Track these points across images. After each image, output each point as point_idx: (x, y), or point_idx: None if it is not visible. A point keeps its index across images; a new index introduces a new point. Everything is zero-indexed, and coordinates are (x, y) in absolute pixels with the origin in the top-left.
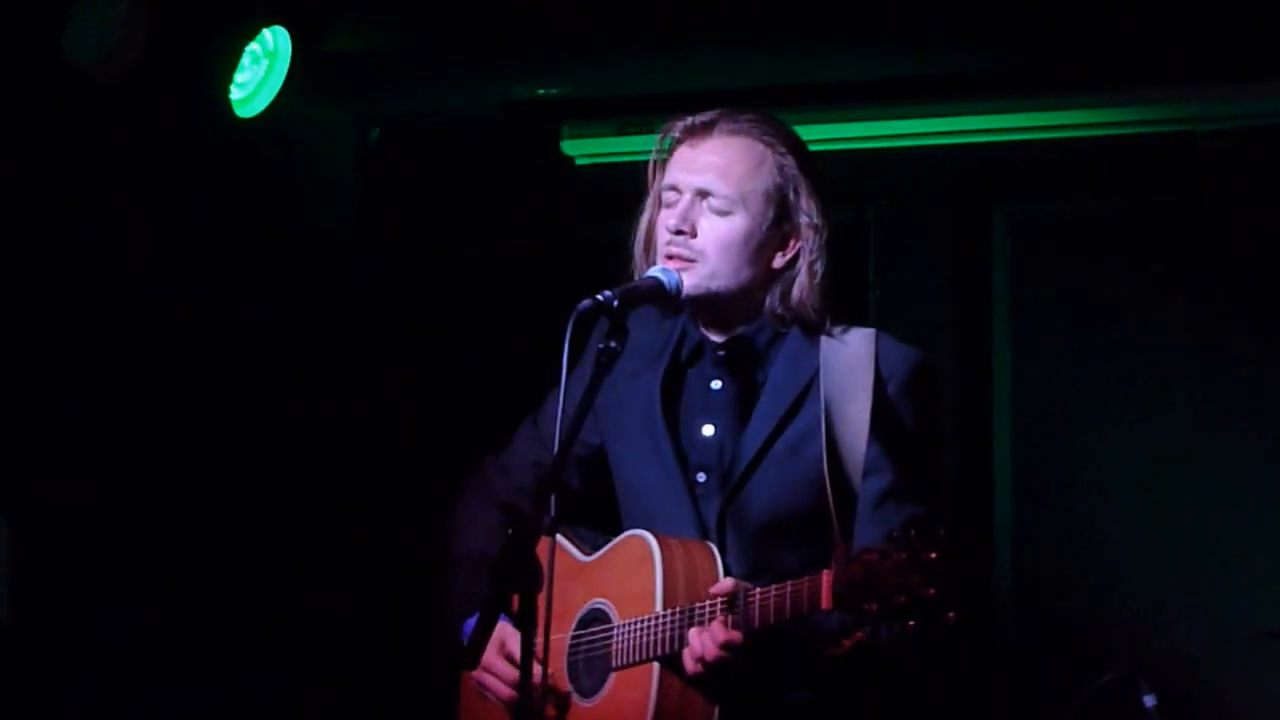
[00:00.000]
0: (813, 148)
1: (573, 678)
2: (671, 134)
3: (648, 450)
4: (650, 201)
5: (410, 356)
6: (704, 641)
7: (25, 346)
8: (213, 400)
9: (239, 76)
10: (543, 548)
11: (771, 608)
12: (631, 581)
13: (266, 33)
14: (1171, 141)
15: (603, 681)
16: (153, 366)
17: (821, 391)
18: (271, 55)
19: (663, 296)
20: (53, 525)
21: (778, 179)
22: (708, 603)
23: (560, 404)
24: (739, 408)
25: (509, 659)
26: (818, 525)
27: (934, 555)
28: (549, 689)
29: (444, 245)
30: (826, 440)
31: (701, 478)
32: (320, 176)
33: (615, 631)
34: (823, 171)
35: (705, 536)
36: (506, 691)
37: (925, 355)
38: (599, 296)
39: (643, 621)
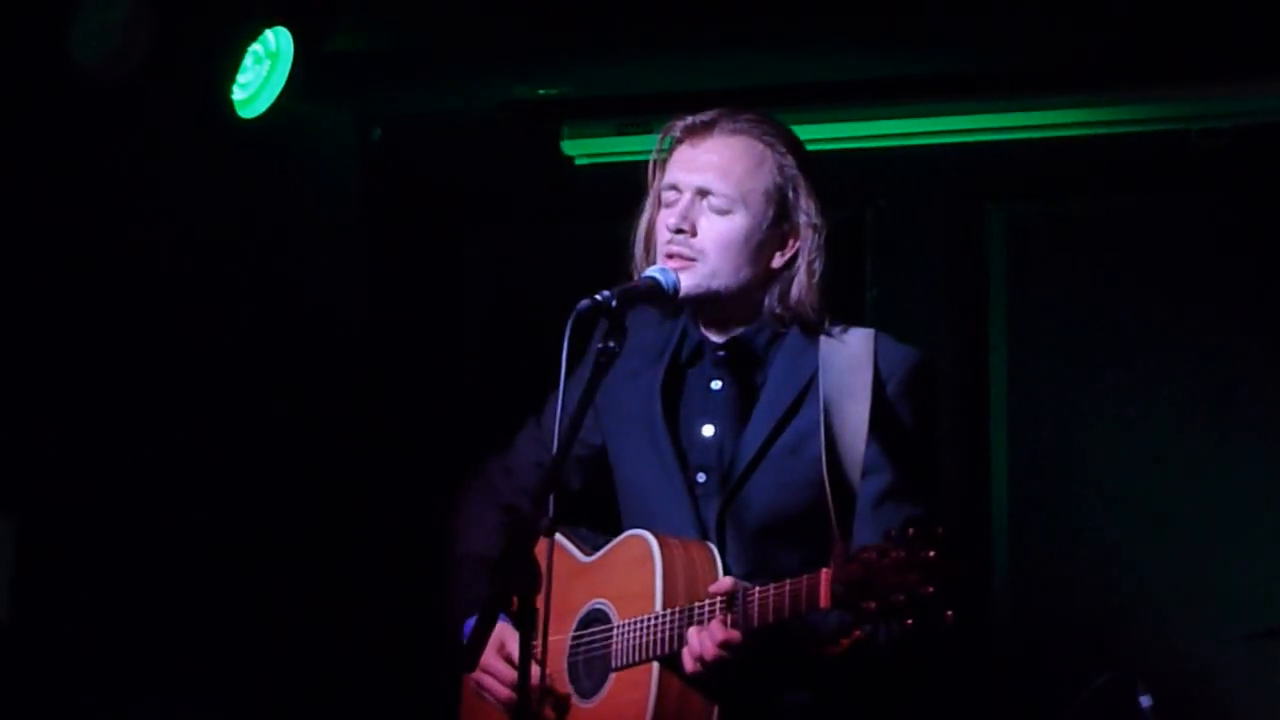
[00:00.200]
0: (810, 147)
1: (573, 678)
2: (672, 133)
3: (648, 450)
4: (650, 201)
5: (412, 356)
6: (703, 640)
7: (27, 346)
8: (215, 400)
9: (241, 77)
10: (541, 549)
11: (770, 606)
12: (631, 581)
13: (268, 33)
14: (1166, 140)
15: (602, 682)
16: (155, 366)
17: (821, 391)
18: (273, 56)
19: (660, 296)
20: (55, 525)
21: (777, 178)
22: (707, 602)
23: (559, 404)
24: (739, 408)
25: (508, 660)
26: (817, 525)
27: (933, 554)
28: (548, 690)
29: (445, 245)
30: (826, 440)
31: (701, 478)
32: (322, 176)
33: (615, 631)
34: (820, 171)
35: (705, 536)
36: (505, 693)
37: (924, 355)
38: (597, 296)
39: (642, 621)
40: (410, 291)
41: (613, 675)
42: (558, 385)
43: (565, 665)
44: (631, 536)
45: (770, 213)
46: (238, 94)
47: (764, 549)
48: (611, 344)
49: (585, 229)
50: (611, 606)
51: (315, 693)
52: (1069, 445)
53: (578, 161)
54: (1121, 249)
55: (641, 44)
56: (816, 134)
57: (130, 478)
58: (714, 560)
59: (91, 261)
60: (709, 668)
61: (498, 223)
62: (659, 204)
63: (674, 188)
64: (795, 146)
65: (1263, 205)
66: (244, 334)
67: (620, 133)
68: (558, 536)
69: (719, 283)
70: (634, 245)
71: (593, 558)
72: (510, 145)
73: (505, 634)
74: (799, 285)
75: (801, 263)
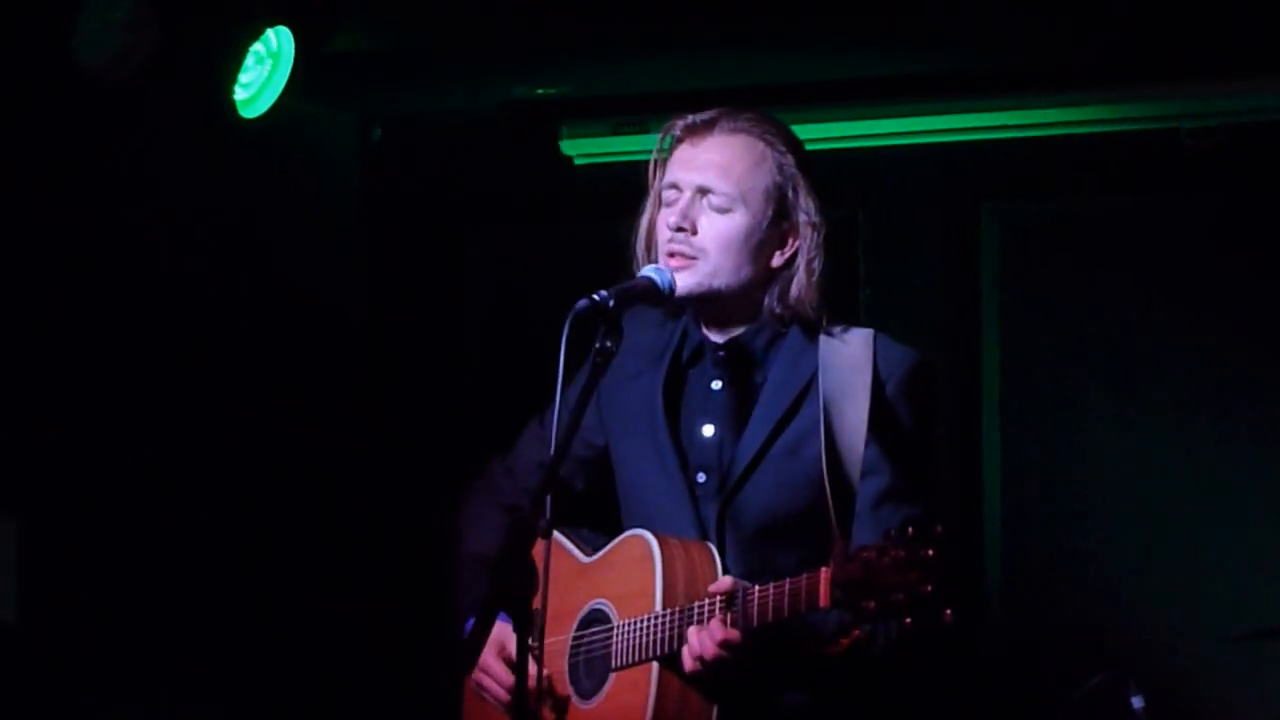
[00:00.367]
0: None
1: (573, 679)
2: (672, 132)
3: (649, 450)
4: (651, 200)
5: (413, 355)
6: (702, 640)
7: (29, 346)
8: (217, 400)
9: (243, 77)
10: (539, 550)
11: (770, 606)
12: (631, 581)
13: (270, 33)
14: (1158, 139)
15: (602, 682)
16: (156, 366)
17: (820, 392)
18: (275, 56)
19: (656, 295)
20: (59, 526)
21: (777, 177)
22: (706, 602)
23: (557, 405)
24: (739, 408)
25: (508, 662)
26: (816, 526)
27: (932, 553)
28: (547, 691)
29: (446, 244)
30: (825, 440)
31: (701, 478)
32: (323, 176)
33: (615, 632)
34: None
35: (705, 537)
36: (504, 694)
37: (923, 356)
38: (595, 296)
39: (642, 621)
40: (411, 290)
41: (612, 675)
42: (565, 386)
43: (566, 666)
44: (631, 536)
45: (770, 211)
46: (239, 94)
47: (763, 549)
48: (608, 344)
49: (584, 229)
50: (612, 606)
51: (318, 693)
52: (1062, 444)
53: (576, 161)
54: (1114, 248)
55: (636, 44)
56: (810, 133)
57: (133, 478)
58: (714, 560)
59: (93, 261)
60: (709, 667)
61: (497, 222)
62: (660, 203)
63: (674, 186)
64: (795, 145)
65: (1254, 204)
66: (245, 333)
67: (616, 132)
68: (559, 537)
69: (720, 281)
70: (635, 244)
71: (593, 558)
72: (509, 145)
73: (506, 635)
74: (798, 284)
75: (801, 262)
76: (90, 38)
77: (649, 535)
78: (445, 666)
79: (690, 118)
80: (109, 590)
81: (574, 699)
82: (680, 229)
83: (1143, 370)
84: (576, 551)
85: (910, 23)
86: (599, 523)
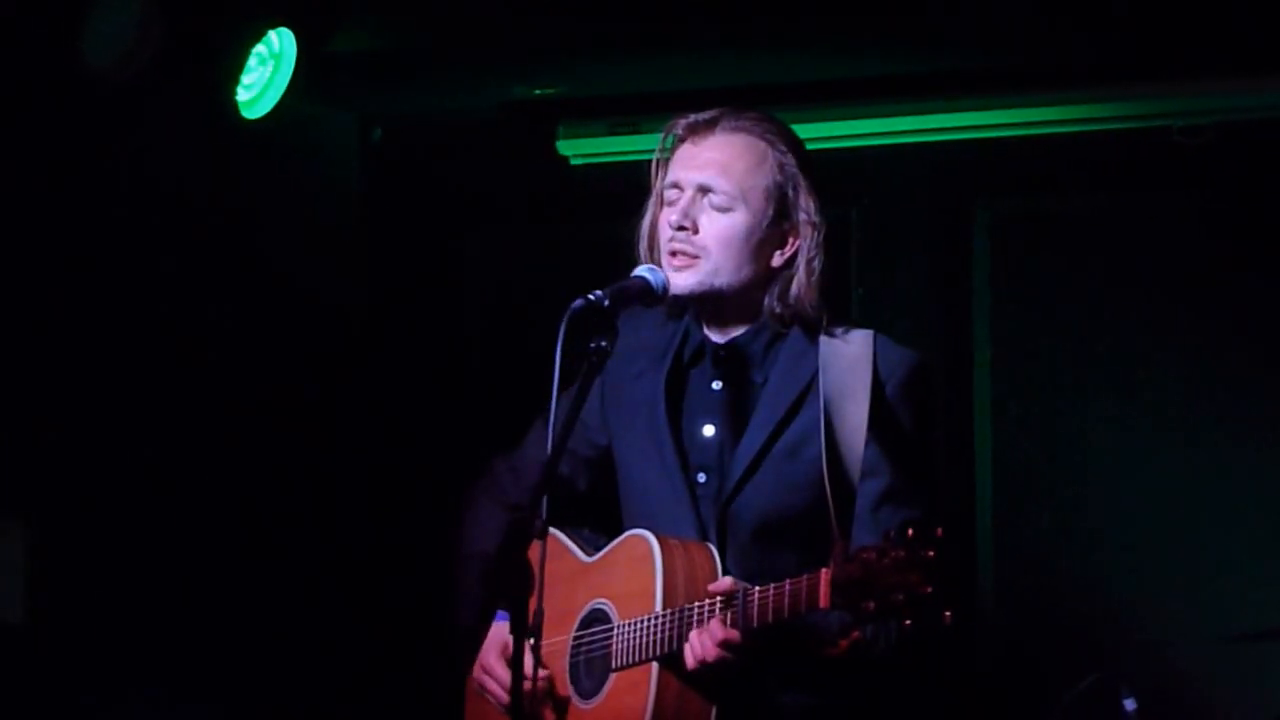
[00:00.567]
0: None
1: (574, 679)
2: (674, 132)
3: (650, 450)
4: (653, 199)
5: (413, 355)
6: (703, 640)
7: (35, 348)
8: (218, 401)
9: (245, 78)
10: (536, 551)
11: (770, 607)
12: (632, 581)
13: (272, 34)
14: (1148, 137)
15: (603, 683)
16: (159, 366)
17: (821, 392)
18: (277, 57)
19: (650, 295)
20: (66, 529)
21: (778, 176)
22: (707, 602)
23: (554, 404)
24: (739, 408)
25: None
26: (816, 526)
27: (932, 554)
28: (547, 691)
29: (446, 243)
30: (826, 441)
31: (702, 478)
32: (324, 176)
33: (615, 632)
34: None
35: (705, 537)
36: (506, 696)
37: (922, 357)
38: (590, 296)
39: (642, 621)
40: (412, 290)
41: (612, 675)
42: (566, 385)
43: (566, 665)
44: (632, 536)
45: (770, 211)
46: (242, 95)
47: (763, 550)
48: (603, 343)
49: (582, 229)
50: (612, 606)
51: (324, 693)
52: (1054, 443)
53: (572, 161)
54: (1105, 246)
55: (632, 44)
56: (803, 133)
57: (138, 480)
58: (714, 561)
59: (97, 262)
60: (708, 668)
61: (496, 222)
62: (661, 202)
63: (676, 185)
64: (796, 145)
65: (1245, 201)
66: (246, 333)
67: (611, 133)
68: (560, 537)
69: (721, 280)
70: (638, 243)
71: (594, 558)
72: (508, 145)
73: (508, 636)
74: (798, 284)
75: (801, 261)
76: (98, 39)
77: (650, 535)
78: (449, 666)
79: (692, 117)
80: (116, 592)
81: (574, 699)
82: (682, 228)
83: (1135, 368)
84: (578, 551)
85: (903, 23)
86: (600, 523)
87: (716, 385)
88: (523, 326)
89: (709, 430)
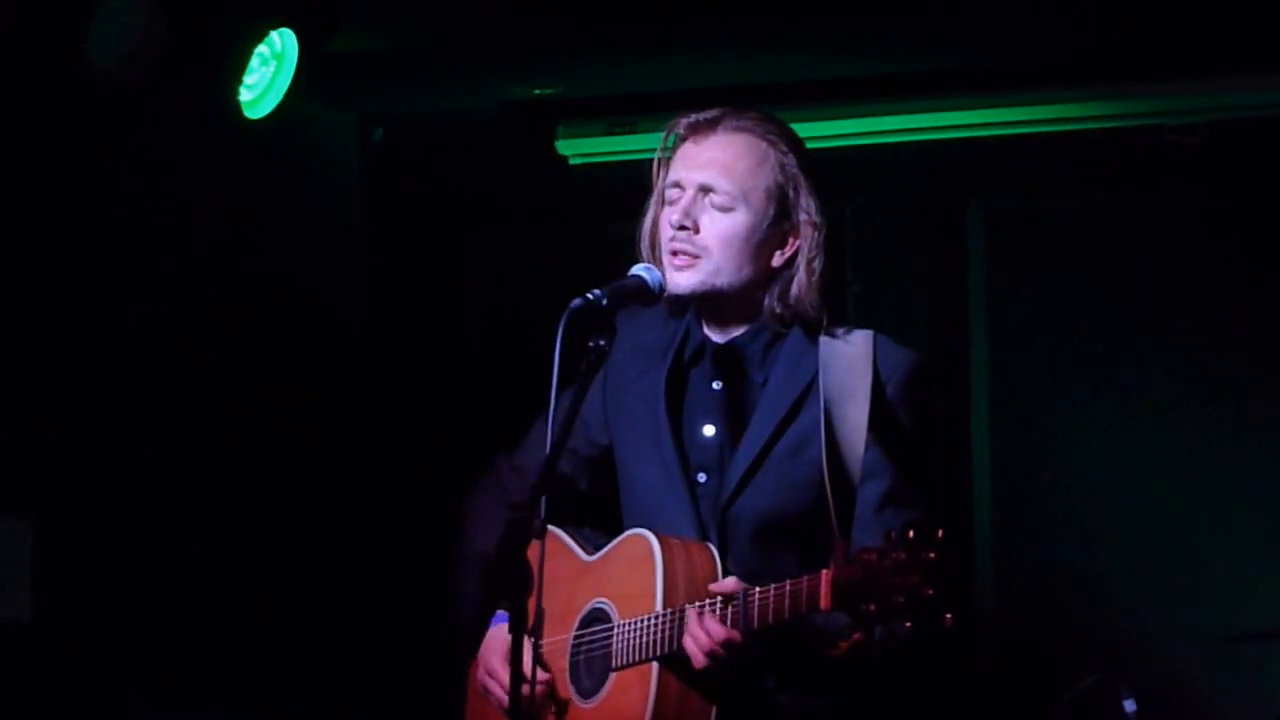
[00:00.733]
0: None
1: (574, 679)
2: (676, 131)
3: (650, 450)
4: (655, 199)
5: (413, 354)
6: (698, 636)
7: (40, 347)
8: (219, 400)
9: (248, 78)
10: (535, 551)
11: (771, 607)
12: (632, 581)
13: (274, 35)
14: (1142, 136)
15: (603, 682)
16: (162, 366)
17: (821, 393)
18: (279, 57)
19: (647, 294)
20: (72, 527)
21: (779, 177)
22: (707, 602)
23: (552, 403)
24: (740, 408)
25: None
26: (816, 527)
27: (933, 556)
28: (547, 693)
29: (447, 243)
30: (826, 442)
31: (702, 478)
32: (325, 175)
33: (615, 631)
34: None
35: (704, 537)
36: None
37: (922, 357)
38: (589, 295)
39: (642, 621)
40: (413, 289)
41: (612, 675)
42: (568, 384)
43: (566, 665)
44: (633, 536)
45: (771, 210)
46: (244, 95)
47: (763, 550)
48: (601, 343)
49: (580, 228)
50: (612, 606)
51: (326, 691)
52: (1051, 441)
53: (571, 161)
54: (1099, 244)
55: (629, 44)
56: (799, 132)
57: (142, 479)
58: (714, 561)
59: (98, 261)
60: (708, 665)
61: (496, 221)
62: (663, 201)
63: (677, 185)
64: (796, 145)
65: (1238, 199)
66: (247, 332)
67: (609, 132)
68: (561, 536)
69: (722, 280)
70: (639, 242)
71: (594, 557)
72: (507, 145)
73: (509, 636)
74: (799, 284)
75: (801, 261)
76: (102, 40)
77: (650, 535)
78: (449, 667)
79: (694, 116)
80: (122, 590)
81: (574, 698)
82: (683, 227)
83: (1131, 366)
84: (578, 550)
85: (899, 23)
86: (601, 522)
87: (717, 385)
88: (522, 326)
89: (709, 430)
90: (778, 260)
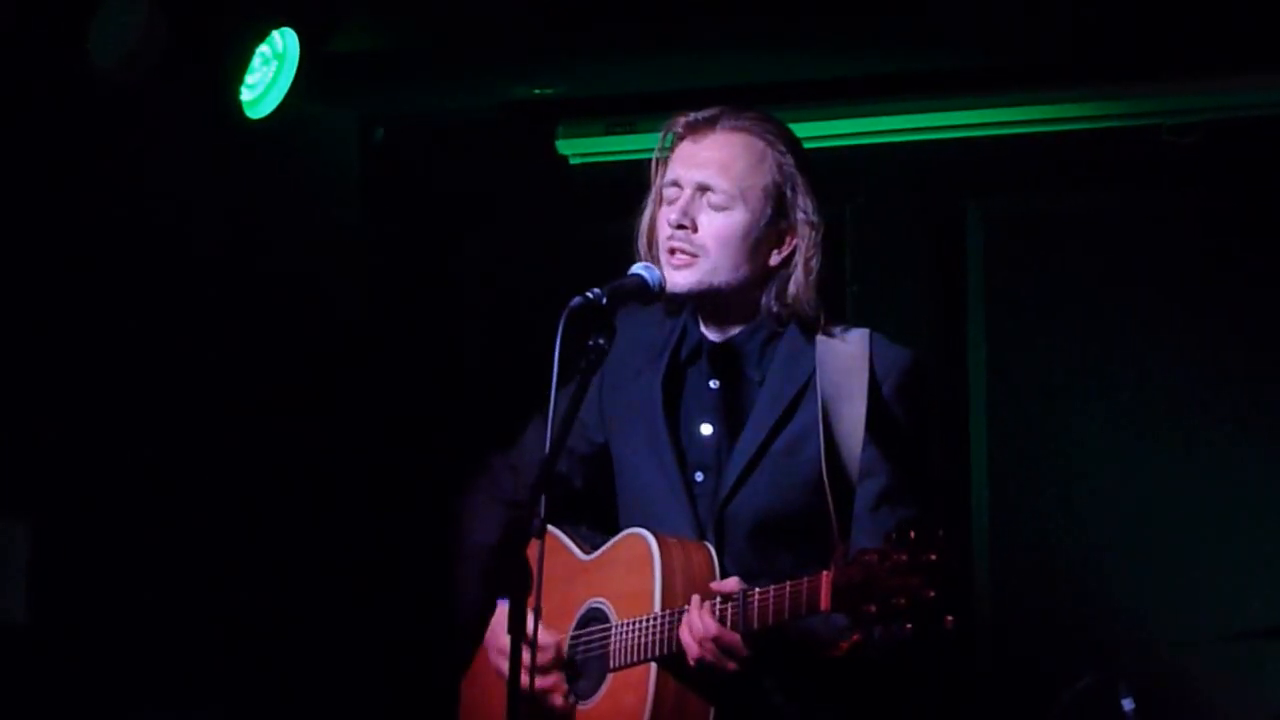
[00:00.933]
0: None
1: (570, 679)
2: (674, 130)
3: (647, 449)
4: (652, 197)
5: (413, 354)
6: (694, 623)
7: (38, 349)
8: (220, 399)
9: (249, 78)
10: (534, 550)
11: (771, 608)
12: (630, 581)
13: (275, 35)
14: (1138, 136)
15: (600, 683)
16: (162, 366)
17: (818, 392)
18: (280, 57)
19: (646, 293)
20: (71, 529)
21: (776, 176)
22: (707, 602)
23: (552, 403)
24: (737, 407)
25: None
26: (813, 526)
27: (934, 557)
28: (545, 694)
29: (447, 243)
30: (824, 441)
31: (699, 477)
32: (325, 175)
33: (613, 631)
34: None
35: (702, 536)
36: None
37: (917, 355)
38: (589, 294)
39: (640, 622)
40: (413, 289)
41: (610, 676)
42: (565, 383)
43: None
44: (631, 535)
45: (769, 210)
46: (245, 95)
47: (760, 549)
48: (601, 341)
49: (580, 228)
50: (610, 606)
51: (325, 691)
52: (1049, 441)
53: (571, 161)
54: (1097, 244)
55: (629, 44)
56: (798, 132)
57: (140, 480)
58: (712, 560)
59: (99, 261)
60: (705, 664)
61: (496, 221)
62: (661, 200)
63: (675, 184)
64: (794, 145)
65: (1234, 199)
66: (248, 330)
67: (608, 132)
68: (558, 534)
69: (720, 279)
70: (636, 241)
71: (592, 556)
72: (507, 145)
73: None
74: (796, 283)
75: (799, 260)
76: (103, 39)
77: (649, 535)
78: (444, 668)
79: (692, 115)
80: (120, 593)
81: (572, 699)
82: (681, 226)
83: (1129, 367)
84: (575, 549)
85: (898, 23)
86: (597, 520)
87: (714, 384)
88: (522, 325)
89: (706, 429)
90: (775, 259)
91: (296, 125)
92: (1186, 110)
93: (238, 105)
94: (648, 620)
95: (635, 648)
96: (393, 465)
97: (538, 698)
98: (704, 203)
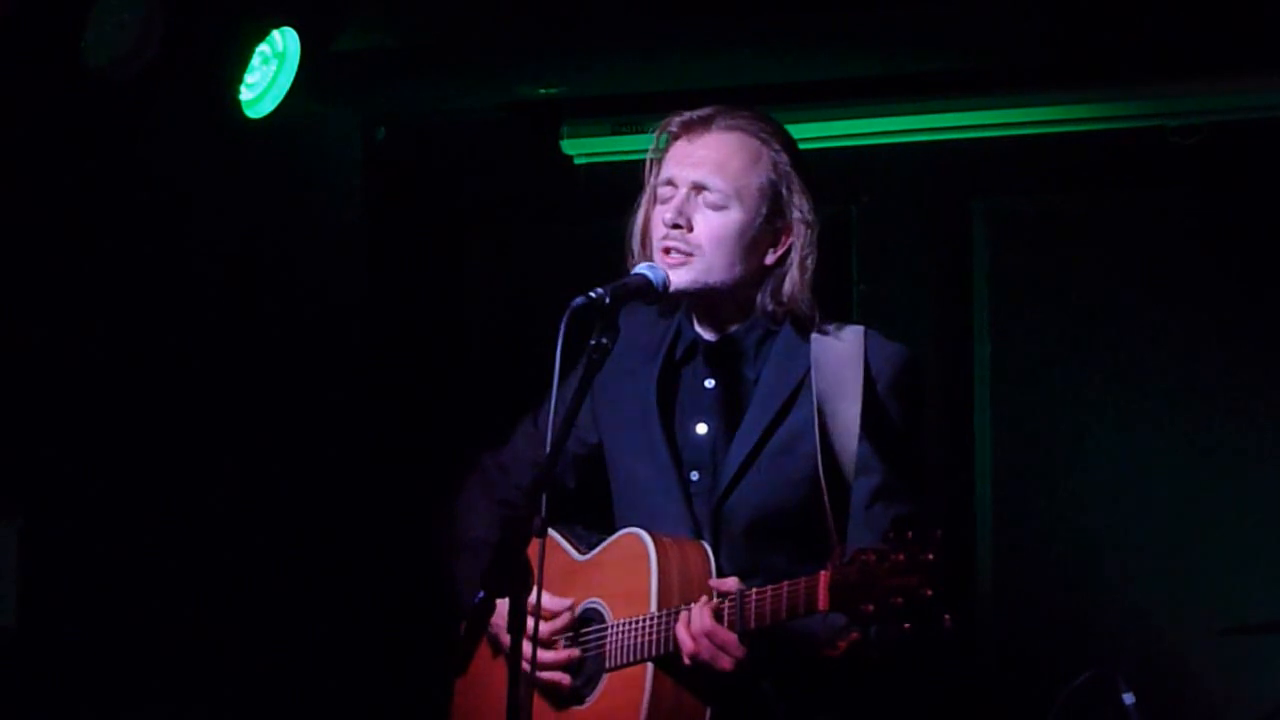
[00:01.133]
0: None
1: None
2: (668, 129)
3: (642, 448)
4: (646, 196)
5: (416, 353)
6: (690, 622)
7: (31, 348)
8: (218, 400)
9: (249, 77)
10: (534, 549)
11: (768, 608)
12: (627, 580)
13: (276, 34)
14: (1143, 137)
15: (596, 683)
16: (158, 367)
17: (814, 390)
18: (280, 56)
19: (651, 292)
20: (60, 530)
21: (772, 175)
22: (706, 599)
23: (554, 402)
24: (732, 406)
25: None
26: (809, 524)
27: (931, 556)
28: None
29: (448, 242)
30: (820, 438)
31: (695, 476)
32: (327, 175)
33: (609, 631)
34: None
35: (698, 535)
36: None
37: (911, 352)
38: (591, 294)
39: (637, 622)
40: (414, 288)
41: (606, 676)
42: (564, 384)
43: None
44: (627, 535)
45: (764, 209)
46: (245, 94)
47: (757, 548)
48: (604, 340)
49: (584, 227)
50: (606, 606)
51: (319, 693)
52: (1053, 440)
53: (576, 160)
54: (1102, 244)
55: (634, 44)
56: (804, 132)
57: (133, 482)
58: (708, 559)
59: (98, 261)
60: (702, 663)
61: (500, 221)
62: (655, 199)
63: (670, 183)
64: (789, 144)
65: (1237, 200)
66: (248, 330)
67: (614, 132)
68: (553, 534)
69: (715, 278)
70: (630, 240)
71: (588, 556)
72: (512, 144)
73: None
74: (791, 282)
75: (794, 259)
76: (99, 39)
77: (645, 535)
78: (436, 668)
79: (687, 114)
80: (109, 596)
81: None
82: (676, 225)
83: (1132, 365)
84: (571, 549)
85: (903, 23)
86: (593, 521)
87: (709, 383)
88: (525, 325)
89: (702, 428)
90: (770, 258)
91: (297, 125)
92: (1190, 111)
93: (238, 105)
94: (644, 620)
95: (632, 647)
96: (392, 465)
97: (541, 693)
98: (699, 202)
